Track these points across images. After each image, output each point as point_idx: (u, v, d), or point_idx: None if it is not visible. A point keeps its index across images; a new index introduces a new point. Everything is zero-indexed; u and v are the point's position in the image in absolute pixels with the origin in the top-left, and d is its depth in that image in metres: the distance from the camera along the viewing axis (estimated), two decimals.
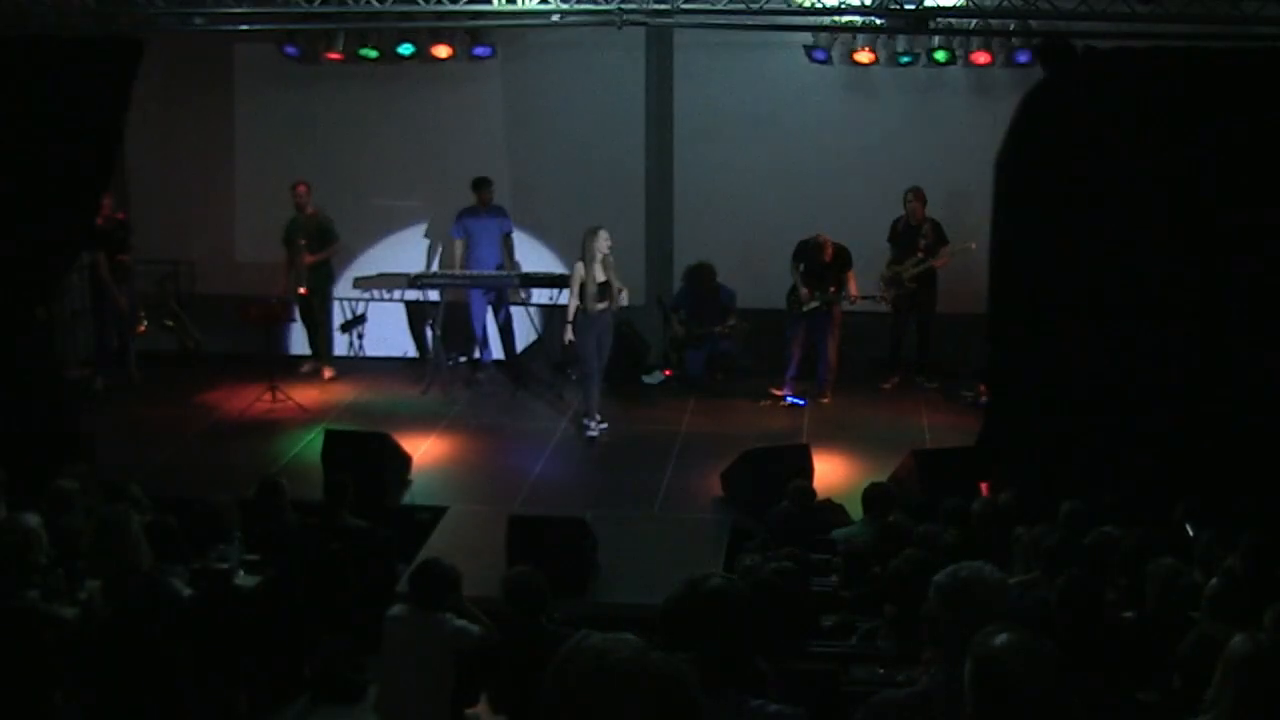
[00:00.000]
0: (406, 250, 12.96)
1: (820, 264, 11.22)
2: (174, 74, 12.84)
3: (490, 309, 12.16)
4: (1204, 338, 8.53)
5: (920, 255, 11.40)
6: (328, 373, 12.09)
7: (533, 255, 12.26)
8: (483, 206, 11.94)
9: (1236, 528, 6.38)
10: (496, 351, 12.34)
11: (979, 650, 2.89)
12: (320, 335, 12.19)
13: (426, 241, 12.93)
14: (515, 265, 12.10)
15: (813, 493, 8.43)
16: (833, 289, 11.21)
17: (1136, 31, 9.92)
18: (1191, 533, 6.90)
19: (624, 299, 10.51)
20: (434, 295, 12.13)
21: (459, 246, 12.02)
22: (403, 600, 6.66)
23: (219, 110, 12.99)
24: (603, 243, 10.24)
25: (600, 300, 10.31)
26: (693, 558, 8.10)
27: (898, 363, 11.85)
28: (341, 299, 12.69)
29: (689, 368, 12.03)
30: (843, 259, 11.24)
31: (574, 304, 10.33)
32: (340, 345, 12.67)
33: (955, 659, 3.04)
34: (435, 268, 12.46)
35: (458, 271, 11.95)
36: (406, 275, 12.13)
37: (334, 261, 12.20)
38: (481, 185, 11.89)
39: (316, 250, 11.83)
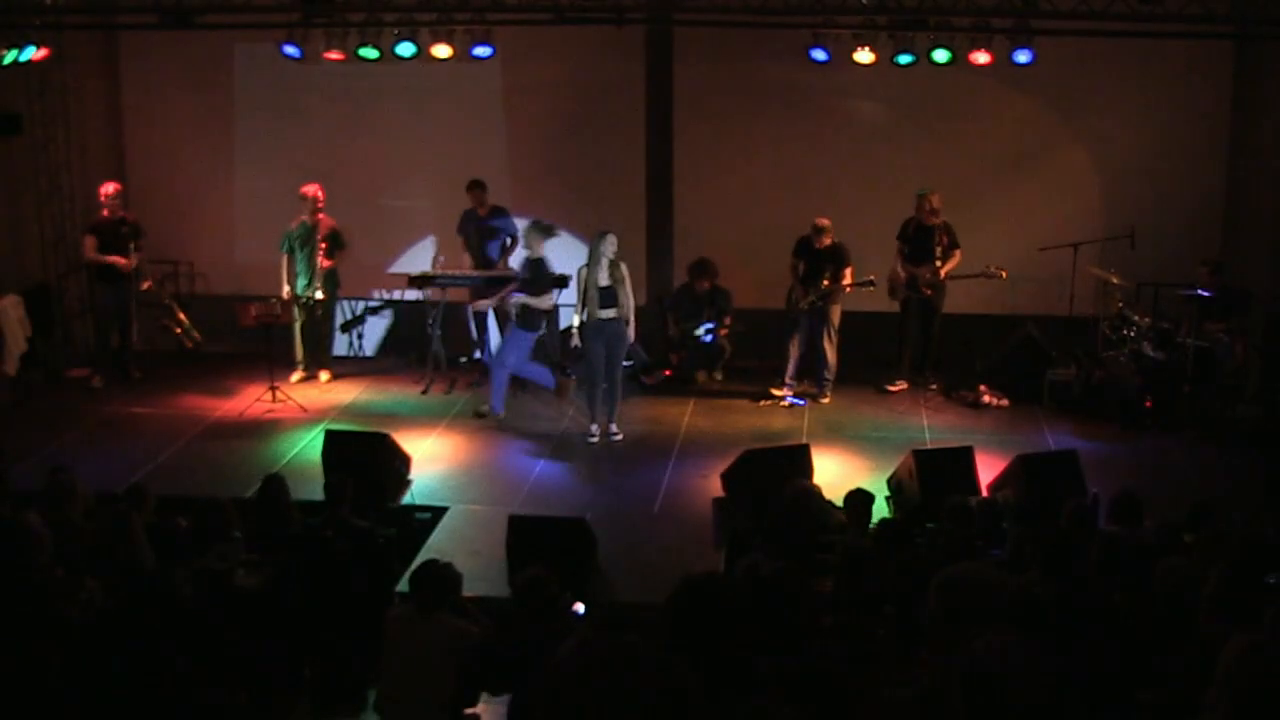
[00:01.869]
0: (406, 250, 12.97)
1: (817, 251, 11.21)
2: (174, 74, 12.87)
3: (493, 311, 12.14)
4: None
5: (937, 262, 11.37)
6: (325, 375, 12.09)
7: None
8: (479, 208, 11.92)
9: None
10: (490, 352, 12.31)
11: (970, 653, 2.89)
12: (322, 339, 12.17)
13: (429, 241, 12.94)
14: (508, 267, 12.04)
15: (812, 493, 8.42)
16: (826, 282, 11.20)
17: (1136, 31, 9.94)
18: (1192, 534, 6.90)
19: (627, 313, 10.32)
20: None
21: (462, 246, 12.04)
22: (403, 600, 6.66)
23: (219, 110, 13.00)
24: (609, 247, 10.17)
25: (605, 306, 10.25)
26: (693, 558, 8.09)
27: (905, 365, 11.83)
28: (341, 299, 12.67)
29: (685, 366, 12.04)
30: (840, 253, 11.23)
31: (579, 308, 10.30)
32: (340, 345, 12.66)
33: (953, 658, 3.04)
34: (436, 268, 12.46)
35: (457, 272, 11.94)
36: (406, 275, 12.13)
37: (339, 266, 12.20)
38: (473, 187, 11.86)
39: (331, 255, 11.80)
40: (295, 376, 11.96)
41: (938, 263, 11.36)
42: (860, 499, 7.81)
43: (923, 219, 11.38)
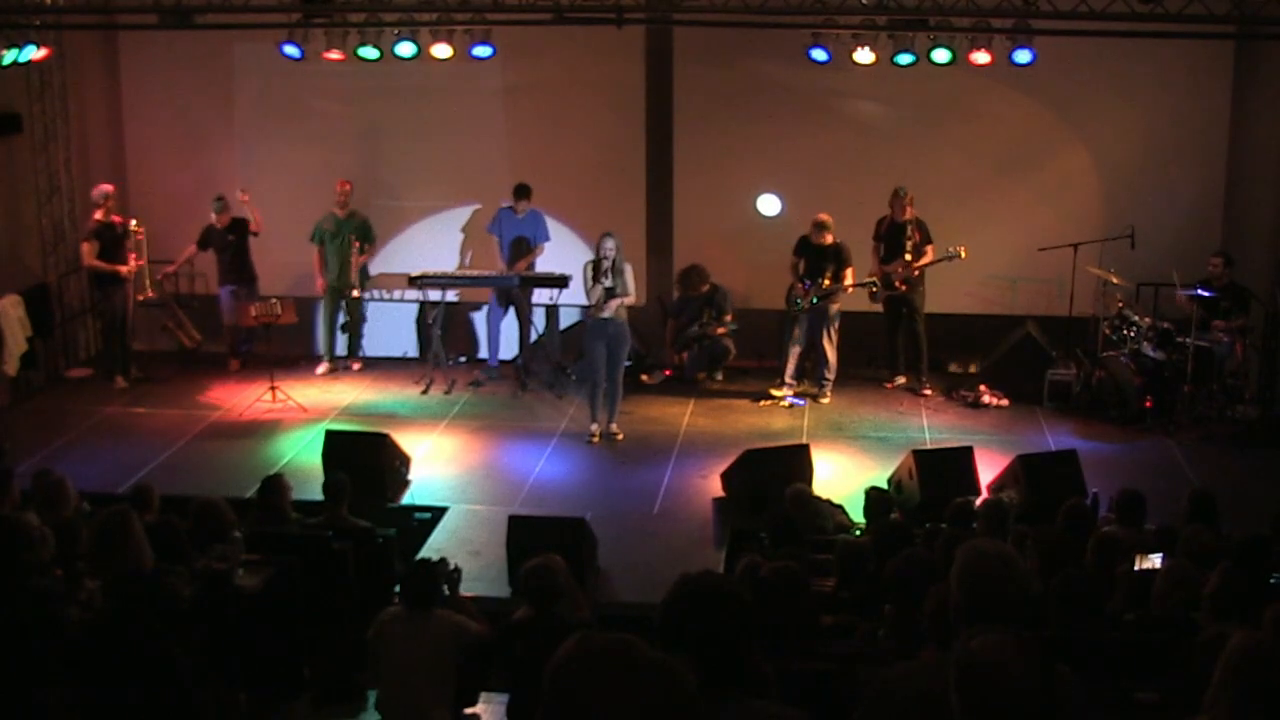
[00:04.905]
0: (407, 250, 12.95)
1: (817, 249, 11.21)
2: (174, 74, 12.86)
3: (514, 310, 12.11)
4: None
5: (908, 256, 11.39)
6: (355, 365, 12.34)
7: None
8: (518, 212, 11.94)
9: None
10: (501, 354, 12.28)
11: (963, 651, 2.88)
12: (356, 332, 12.35)
13: (429, 241, 12.93)
14: (530, 270, 12.06)
15: (811, 493, 8.42)
16: (826, 281, 11.19)
17: (1136, 31, 9.94)
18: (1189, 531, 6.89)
19: (623, 308, 10.34)
20: (433, 295, 12.14)
21: (495, 245, 12.12)
22: (401, 600, 6.65)
23: (219, 110, 12.99)
24: (605, 247, 10.19)
25: (605, 307, 10.26)
26: (693, 558, 8.09)
27: (898, 362, 11.85)
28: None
29: (687, 368, 12.04)
30: (842, 253, 11.23)
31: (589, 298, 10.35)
32: (341, 345, 12.68)
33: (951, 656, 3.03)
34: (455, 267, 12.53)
35: (457, 272, 11.95)
36: (406, 275, 12.13)
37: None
38: (518, 192, 11.92)
39: (363, 250, 12.04)
40: (321, 369, 12.13)
41: (908, 257, 11.37)
42: (877, 498, 7.87)
43: (896, 215, 11.39)
